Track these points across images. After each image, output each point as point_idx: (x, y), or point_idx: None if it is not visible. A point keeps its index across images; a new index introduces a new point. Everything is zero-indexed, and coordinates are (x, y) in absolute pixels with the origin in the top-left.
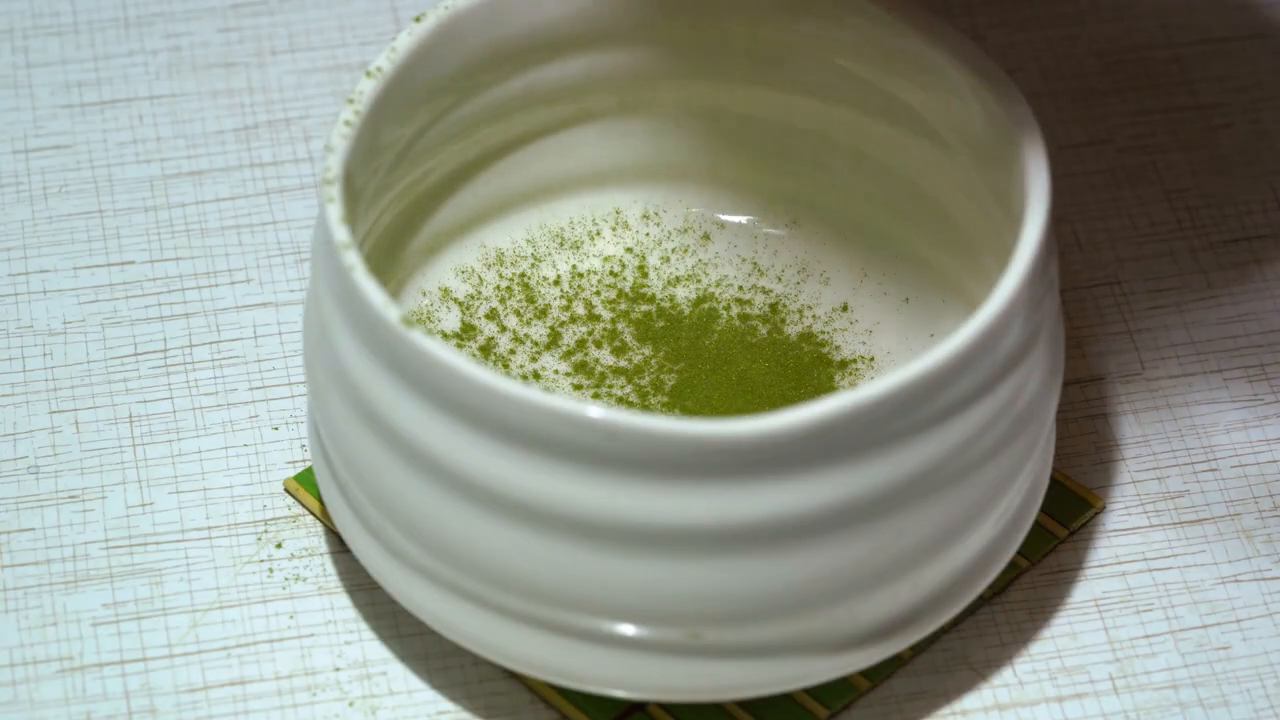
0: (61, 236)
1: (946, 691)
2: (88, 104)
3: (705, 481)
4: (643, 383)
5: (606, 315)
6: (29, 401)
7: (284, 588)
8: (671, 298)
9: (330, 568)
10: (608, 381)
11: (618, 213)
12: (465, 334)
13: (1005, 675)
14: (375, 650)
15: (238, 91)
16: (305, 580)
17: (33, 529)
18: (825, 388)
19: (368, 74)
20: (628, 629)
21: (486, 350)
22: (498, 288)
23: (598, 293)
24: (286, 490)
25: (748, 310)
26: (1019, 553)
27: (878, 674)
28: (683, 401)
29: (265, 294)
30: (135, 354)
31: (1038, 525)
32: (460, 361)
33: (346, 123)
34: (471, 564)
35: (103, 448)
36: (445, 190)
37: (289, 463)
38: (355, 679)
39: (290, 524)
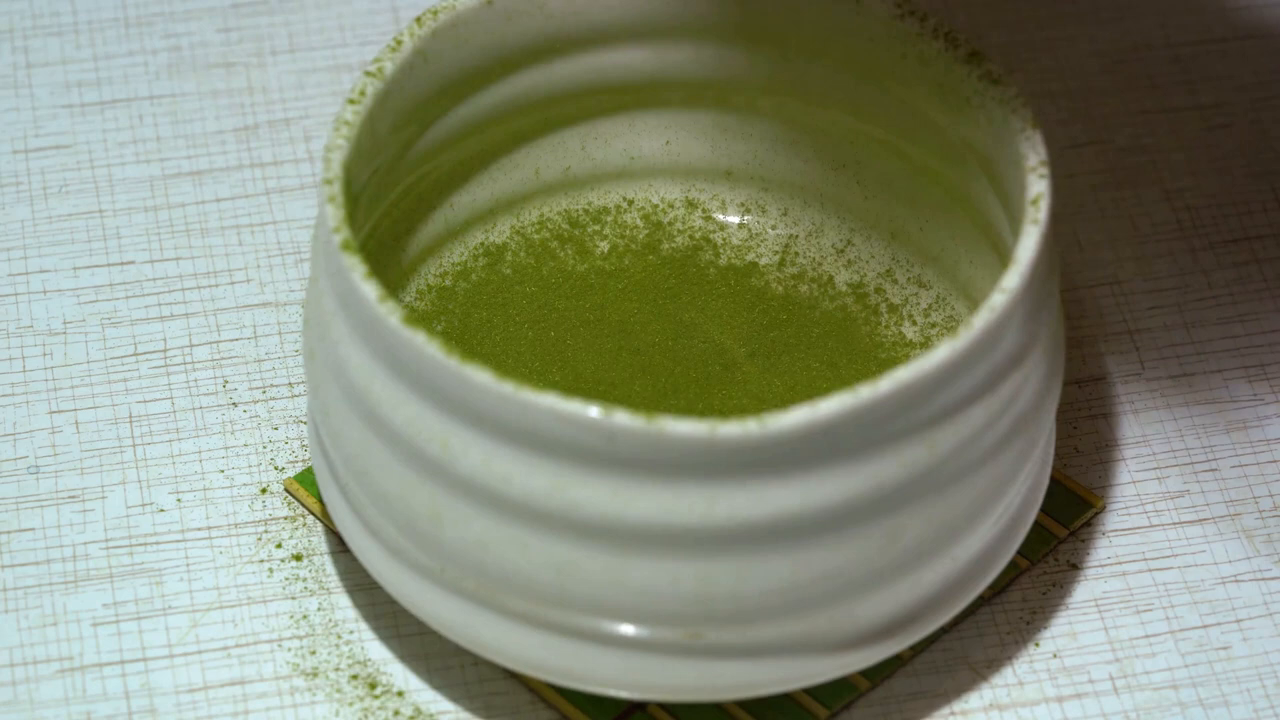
0: (61, 236)
1: (946, 691)
2: (88, 104)
3: (705, 481)
4: (644, 383)
5: (607, 314)
6: (29, 401)
7: (284, 588)
8: (673, 297)
9: (330, 568)
10: (609, 381)
11: (619, 211)
12: (465, 334)
13: (1005, 675)
14: (375, 650)
15: (238, 91)
16: (305, 580)
17: (33, 529)
18: (828, 387)
19: (368, 74)
20: (628, 629)
21: (487, 350)
22: (499, 287)
23: (598, 292)
24: (286, 490)
25: (750, 310)
26: (1019, 553)
27: (878, 674)
28: (683, 401)
29: (265, 294)
30: (135, 354)
31: (1038, 525)
32: (460, 362)
33: (346, 123)
34: (471, 564)
35: (103, 448)
36: (445, 190)
37: (289, 463)
38: (355, 679)
39: (290, 524)
